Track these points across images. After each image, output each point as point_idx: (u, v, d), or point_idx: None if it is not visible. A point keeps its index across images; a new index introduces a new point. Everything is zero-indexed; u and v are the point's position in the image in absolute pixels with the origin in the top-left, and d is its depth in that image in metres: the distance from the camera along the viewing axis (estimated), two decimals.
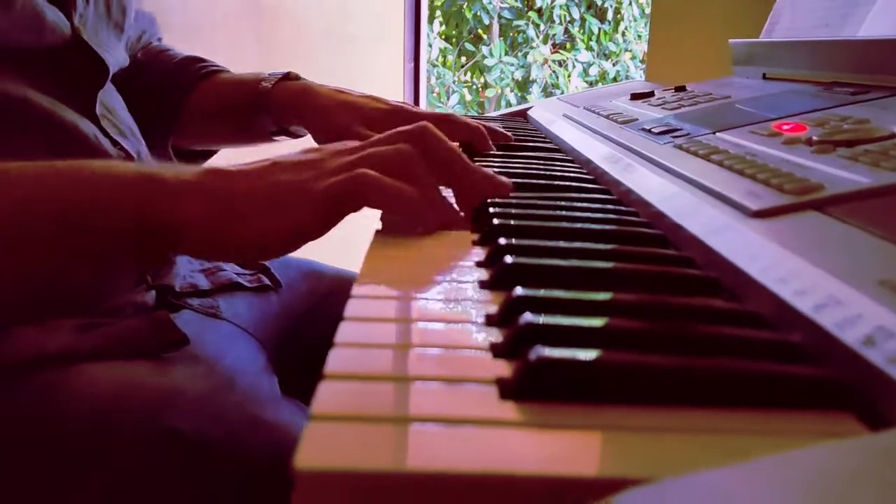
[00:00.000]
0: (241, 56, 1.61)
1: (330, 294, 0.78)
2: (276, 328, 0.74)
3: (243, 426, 0.52)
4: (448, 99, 4.64)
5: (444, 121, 0.67)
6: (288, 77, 0.75)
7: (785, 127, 0.49)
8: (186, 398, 0.52)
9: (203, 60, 0.81)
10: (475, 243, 0.40)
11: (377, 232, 0.42)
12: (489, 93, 4.65)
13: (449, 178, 0.47)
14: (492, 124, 0.74)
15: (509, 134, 0.73)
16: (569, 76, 4.64)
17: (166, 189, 0.42)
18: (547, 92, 4.58)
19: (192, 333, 0.59)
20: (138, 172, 0.43)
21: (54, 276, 0.43)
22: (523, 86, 4.68)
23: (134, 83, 0.76)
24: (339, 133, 0.68)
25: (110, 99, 0.66)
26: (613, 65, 4.77)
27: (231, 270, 0.76)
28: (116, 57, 0.67)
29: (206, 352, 0.60)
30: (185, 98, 0.78)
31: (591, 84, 4.56)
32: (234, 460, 0.50)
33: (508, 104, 4.41)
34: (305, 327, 0.75)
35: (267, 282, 0.77)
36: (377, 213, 0.46)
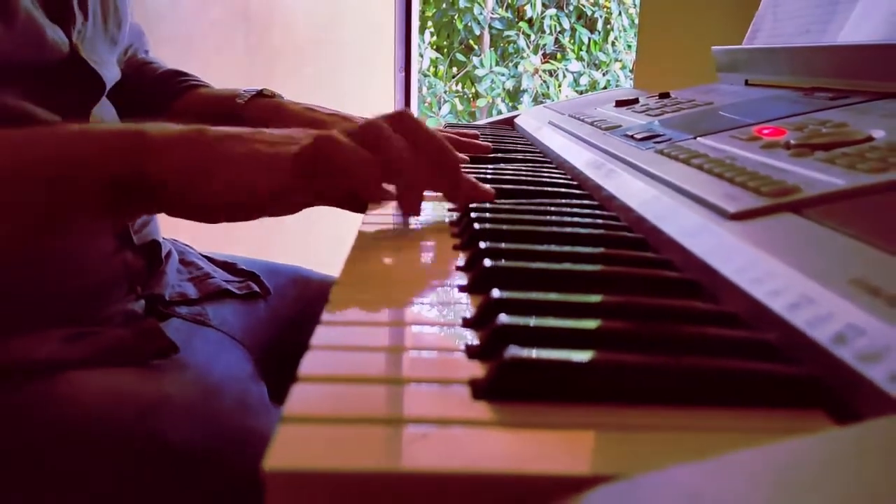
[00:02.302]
0: (230, 65, 1.61)
1: (317, 300, 0.78)
2: (264, 335, 0.74)
3: (232, 435, 0.52)
4: (439, 109, 4.65)
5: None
6: (262, 94, 0.77)
7: (765, 131, 0.50)
8: (174, 406, 0.52)
9: (185, 74, 0.82)
10: (456, 248, 0.40)
11: (360, 233, 0.43)
12: (480, 102, 4.67)
13: (428, 159, 0.46)
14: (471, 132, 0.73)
15: (487, 145, 0.73)
16: (559, 86, 4.66)
17: (147, 143, 0.43)
18: (538, 101, 4.60)
19: (181, 341, 0.59)
20: (120, 128, 0.44)
21: (40, 230, 0.44)
22: (514, 95, 4.70)
23: (116, 94, 0.77)
24: None
25: (103, 112, 0.66)
26: (604, 75, 4.80)
27: (220, 278, 0.75)
28: (112, 71, 0.68)
29: (195, 360, 0.60)
30: (165, 112, 0.78)
31: (581, 94, 4.58)
32: (221, 469, 0.49)
33: (500, 114, 4.42)
34: (293, 334, 0.75)
35: (255, 289, 0.77)
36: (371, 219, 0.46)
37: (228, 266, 0.79)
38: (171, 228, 0.77)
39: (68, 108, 0.59)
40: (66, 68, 0.59)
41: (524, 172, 0.61)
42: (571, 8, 4.78)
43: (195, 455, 0.49)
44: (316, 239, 1.81)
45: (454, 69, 4.80)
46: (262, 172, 0.43)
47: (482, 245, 0.36)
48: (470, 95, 4.80)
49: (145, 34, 0.86)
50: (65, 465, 0.48)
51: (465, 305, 0.31)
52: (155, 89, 0.80)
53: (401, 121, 0.46)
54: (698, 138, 0.54)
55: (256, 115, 0.75)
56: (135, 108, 0.78)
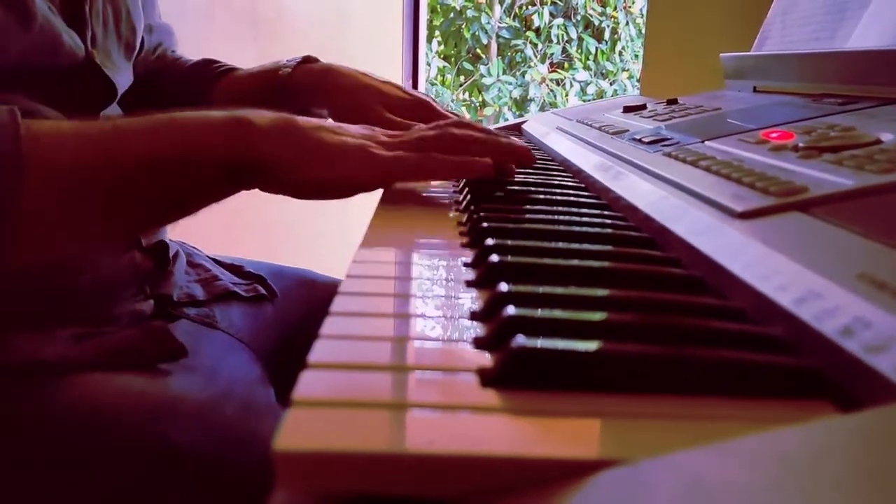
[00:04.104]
0: None
1: (323, 303, 0.78)
2: (271, 338, 0.74)
3: (239, 439, 0.52)
4: None
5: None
6: (307, 60, 0.76)
7: (773, 135, 0.50)
8: (182, 409, 0.52)
9: (216, 62, 0.81)
10: (464, 246, 0.40)
11: (368, 230, 0.43)
12: (487, 111, 4.68)
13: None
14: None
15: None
16: (566, 95, 4.67)
17: (257, 130, 0.48)
18: (544, 110, 4.60)
19: (189, 344, 0.59)
20: (229, 115, 0.49)
21: (168, 212, 0.51)
22: (521, 104, 4.71)
23: (150, 91, 0.77)
24: (362, 113, 0.70)
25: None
26: (611, 84, 4.80)
27: (227, 280, 0.76)
28: (125, 77, 0.68)
29: (203, 363, 0.61)
30: (204, 98, 0.78)
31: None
32: (228, 473, 0.50)
33: (507, 122, 4.43)
34: (299, 336, 0.75)
35: (262, 291, 0.77)
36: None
37: (235, 268, 0.80)
38: (179, 231, 0.77)
39: (79, 112, 0.59)
40: (80, 73, 0.60)
41: (532, 174, 0.61)
42: (579, 18, 4.80)
43: (202, 458, 0.49)
44: (322, 242, 1.82)
45: (461, 78, 4.82)
46: (352, 165, 0.49)
47: (489, 242, 0.37)
48: (477, 104, 4.81)
49: (174, 34, 0.86)
50: (71, 467, 0.48)
51: (473, 300, 0.31)
52: (192, 78, 0.80)
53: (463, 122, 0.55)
54: (706, 142, 0.54)
55: (306, 83, 0.74)
56: (172, 99, 0.79)
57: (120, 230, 0.51)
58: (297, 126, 0.49)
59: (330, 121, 0.53)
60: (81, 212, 0.46)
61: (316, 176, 0.49)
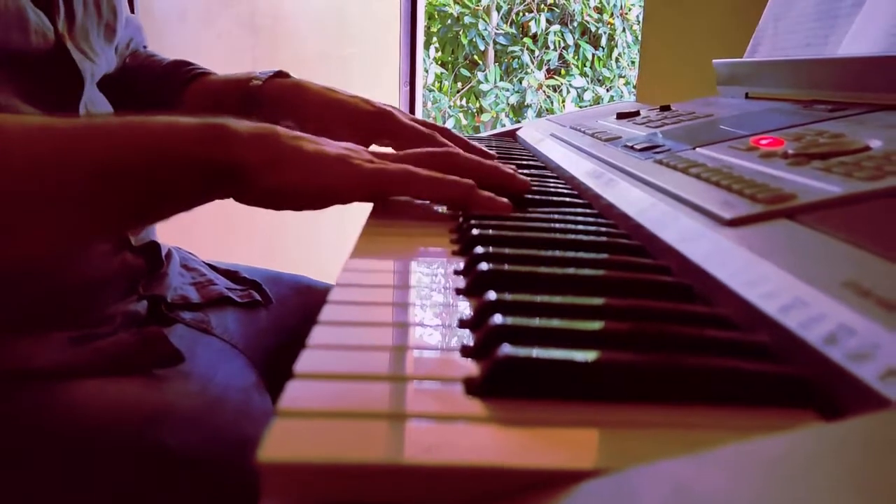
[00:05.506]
0: None
1: (319, 309, 0.78)
2: (266, 344, 0.74)
3: (234, 445, 0.52)
4: (444, 123, 4.67)
5: (428, 139, 0.68)
6: (279, 75, 0.75)
7: (763, 142, 0.50)
8: (177, 416, 0.52)
9: (191, 64, 0.80)
10: (455, 253, 0.41)
11: (360, 238, 0.43)
12: (484, 117, 4.68)
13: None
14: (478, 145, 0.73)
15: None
16: (563, 101, 4.68)
17: (234, 134, 0.47)
18: (541, 116, 4.60)
19: (184, 349, 0.59)
20: (206, 120, 0.48)
21: (139, 217, 0.50)
22: (518, 110, 4.71)
23: (123, 88, 0.77)
24: (326, 127, 0.69)
25: (96, 105, 0.65)
26: (607, 90, 4.81)
27: (222, 285, 0.76)
28: (105, 61, 0.67)
29: (198, 369, 0.60)
30: (176, 100, 0.77)
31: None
32: (224, 479, 0.50)
33: (504, 128, 4.43)
34: (295, 342, 0.75)
35: (257, 297, 0.77)
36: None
37: (231, 274, 0.80)
38: (175, 237, 0.77)
39: (54, 103, 0.59)
40: (53, 58, 0.59)
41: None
42: (576, 24, 4.81)
43: (198, 464, 0.49)
44: (318, 247, 1.82)
45: (459, 84, 4.83)
46: (327, 174, 0.49)
47: (479, 250, 0.37)
48: (474, 110, 4.82)
49: (143, 29, 0.85)
50: (67, 474, 0.48)
51: (462, 308, 0.31)
52: (164, 80, 0.79)
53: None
54: (697, 149, 0.54)
55: (275, 95, 0.73)
56: (144, 99, 0.78)
57: (90, 229, 0.49)
58: (276, 133, 0.49)
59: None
60: (49, 209, 0.44)
61: (292, 182, 0.48)
